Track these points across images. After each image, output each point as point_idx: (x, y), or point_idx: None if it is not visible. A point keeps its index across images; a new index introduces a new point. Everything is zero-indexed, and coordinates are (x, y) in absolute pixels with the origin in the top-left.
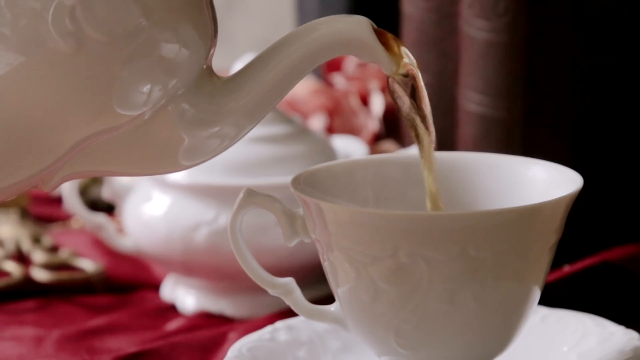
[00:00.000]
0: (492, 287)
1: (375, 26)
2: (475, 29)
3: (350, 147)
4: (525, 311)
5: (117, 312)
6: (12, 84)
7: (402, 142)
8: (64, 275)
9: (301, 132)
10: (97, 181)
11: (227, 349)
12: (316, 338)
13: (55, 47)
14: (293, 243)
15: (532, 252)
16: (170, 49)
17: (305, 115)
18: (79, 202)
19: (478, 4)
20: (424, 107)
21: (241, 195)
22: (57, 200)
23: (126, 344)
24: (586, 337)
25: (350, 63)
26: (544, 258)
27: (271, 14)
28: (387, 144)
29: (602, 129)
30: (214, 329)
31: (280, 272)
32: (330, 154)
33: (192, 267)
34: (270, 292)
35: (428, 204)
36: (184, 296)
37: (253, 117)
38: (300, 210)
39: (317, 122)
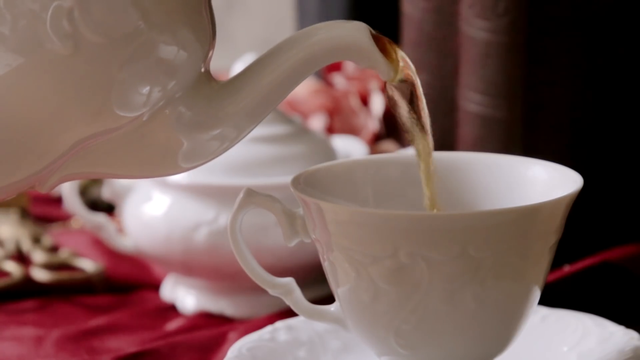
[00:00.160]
0: (492, 287)
1: (373, 32)
2: (475, 29)
3: (350, 147)
4: (525, 311)
5: (117, 312)
6: (11, 84)
7: (402, 142)
8: (64, 275)
9: (301, 132)
10: (97, 181)
11: (227, 349)
12: (316, 338)
13: (53, 49)
14: (293, 243)
15: (532, 252)
16: (169, 51)
17: (305, 115)
18: (79, 202)
19: (478, 4)
20: (422, 114)
21: (241, 195)
22: (57, 200)
23: (126, 344)
24: (586, 337)
25: (351, 63)
26: (544, 258)
27: (271, 14)
28: (387, 144)
29: (602, 129)
30: (214, 329)
31: (280, 272)
32: (330, 154)
33: (192, 267)
34: (270, 292)
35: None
36: (184, 296)
37: (250, 121)
38: (300, 210)
39: (317, 122)
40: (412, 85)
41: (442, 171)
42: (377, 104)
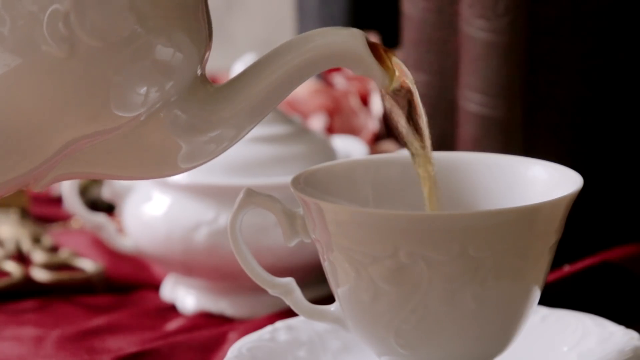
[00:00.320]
0: (492, 287)
1: (369, 39)
2: (475, 29)
3: (350, 147)
4: (525, 311)
5: (117, 312)
6: (8, 84)
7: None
8: (64, 275)
9: (301, 132)
10: (97, 181)
11: (227, 349)
12: (316, 338)
13: (49, 51)
14: (293, 243)
15: (532, 252)
16: (165, 54)
17: (305, 115)
18: (79, 202)
19: (478, 4)
20: (420, 123)
21: (241, 195)
22: (57, 200)
23: (126, 344)
24: (586, 337)
25: None
26: (544, 258)
27: (271, 14)
28: (387, 144)
29: (602, 129)
30: (214, 329)
31: (280, 272)
32: (330, 154)
33: (192, 267)
34: (270, 292)
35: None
36: (184, 296)
37: (245, 125)
38: (300, 210)
39: (317, 122)
40: (409, 93)
41: (442, 171)
42: (377, 104)
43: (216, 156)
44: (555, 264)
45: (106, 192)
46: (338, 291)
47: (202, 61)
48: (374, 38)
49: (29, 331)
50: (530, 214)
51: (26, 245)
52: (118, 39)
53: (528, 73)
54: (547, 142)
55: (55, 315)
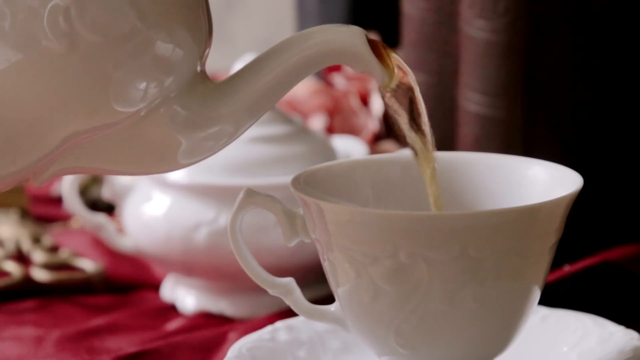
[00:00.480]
0: (492, 287)
1: (369, 37)
2: (475, 29)
3: (350, 147)
4: (525, 311)
5: (117, 312)
6: (9, 78)
7: (402, 142)
8: (64, 275)
9: (301, 132)
10: (97, 181)
11: (227, 349)
12: (316, 338)
13: (49, 46)
14: (293, 243)
15: (532, 252)
16: (165, 50)
17: (305, 115)
18: (79, 202)
19: (478, 4)
20: (421, 120)
21: (241, 195)
22: (57, 200)
23: (126, 344)
24: (586, 337)
25: None
26: (544, 258)
27: (271, 14)
28: (387, 144)
29: (602, 129)
30: (214, 329)
31: (280, 272)
32: (330, 154)
33: (192, 267)
34: (270, 292)
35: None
36: (184, 296)
37: (244, 122)
38: (300, 210)
39: (317, 122)
40: (411, 91)
41: (442, 171)
42: (377, 104)
43: (216, 152)
44: (555, 264)
45: (106, 192)
46: (338, 291)
47: (202, 57)
48: (374, 37)
49: (29, 331)
50: (530, 214)
51: (26, 245)
52: (118, 35)
53: (528, 73)
54: (547, 142)
55: (55, 315)
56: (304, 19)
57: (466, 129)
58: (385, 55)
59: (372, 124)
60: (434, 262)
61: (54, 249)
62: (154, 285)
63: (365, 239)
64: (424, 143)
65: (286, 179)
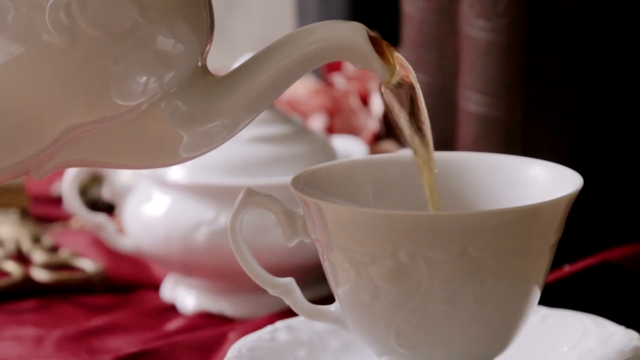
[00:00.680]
0: (492, 287)
1: (370, 33)
2: (475, 29)
3: (350, 147)
4: (525, 311)
5: (117, 312)
6: (11, 71)
7: (402, 142)
8: (64, 275)
9: (301, 132)
10: (97, 181)
11: (227, 349)
12: (316, 338)
13: (50, 41)
14: (293, 243)
15: (532, 252)
16: (166, 45)
17: (305, 115)
18: (79, 202)
19: (478, 4)
20: (422, 118)
21: (241, 195)
22: (57, 200)
23: (126, 344)
24: (586, 337)
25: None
26: (544, 258)
27: (271, 14)
28: (387, 144)
29: (602, 129)
30: (214, 329)
31: (280, 272)
32: (330, 154)
33: (192, 267)
34: (270, 292)
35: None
36: (184, 296)
37: (244, 118)
38: (300, 210)
39: (317, 122)
40: (412, 89)
41: (442, 171)
42: (377, 104)
43: (216, 146)
44: (555, 264)
45: (106, 192)
46: (338, 291)
47: (204, 53)
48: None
49: (29, 331)
50: (530, 214)
51: (26, 245)
52: (119, 30)
53: (528, 73)
54: (547, 142)
55: (55, 315)
56: (304, 19)
57: (466, 129)
58: (386, 51)
59: (372, 124)
60: (434, 262)
61: (54, 249)
62: (154, 285)
63: (365, 239)
64: (423, 142)
65: (286, 179)
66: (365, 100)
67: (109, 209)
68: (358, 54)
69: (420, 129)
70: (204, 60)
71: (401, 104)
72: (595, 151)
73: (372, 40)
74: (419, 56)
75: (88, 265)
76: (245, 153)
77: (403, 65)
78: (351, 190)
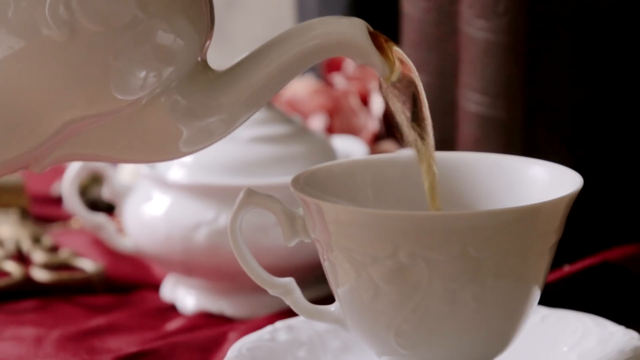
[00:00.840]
0: (492, 287)
1: (371, 29)
2: (475, 29)
3: (350, 147)
4: (525, 311)
5: (117, 312)
6: (11, 65)
7: (402, 142)
8: (64, 275)
9: (301, 132)
10: (97, 181)
11: (227, 349)
12: (316, 338)
13: (50, 35)
14: (293, 243)
15: (532, 252)
16: (166, 39)
17: (305, 115)
18: (79, 202)
19: (478, 4)
20: (423, 115)
21: (241, 195)
22: (57, 200)
23: (126, 344)
24: (586, 337)
25: (351, 63)
26: (544, 258)
27: (271, 14)
28: (387, 144)
29: (602, 129)
30: (214, 329)
31: (280, 272)
32: (330, 154)
33: (192, 267)
34: (270, 292)
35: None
36: (184, 296)
37: (244, 112)
38: (300, 210)
39: (317, 122)
40: (413, 85)
41: (442, 171)
42: (377, 104)
43: (216, 141)
44: (555, 264)
45: (106, 192)
46: (338, 291)
47: (204, 48)
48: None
49: (29, 331)
50: (530, 214)
51: (26, 245)
52: (119, 24)
53: (528, 73)
54: (547, 142)
55: (55, 315)
56: (304, 19)
57: (466, 129)
58: (386, 47)
59: (372, 124)
60: (434, 262)
61: (54, 249)
62: (154, 285)
63: (365, 239)
64: (424, 138)
65: (286, 179)
66: (365, 100)
67: (109, 209)
68: (358, 49)
69: (421, 123)
70: (204, 55)
71: (401, 99)
72: (595, 151)
73: (372, 35)
74: (419, 56)
75: (88, 265)
76: (245, 153)
77: (403, 61)
78: (351, 190)
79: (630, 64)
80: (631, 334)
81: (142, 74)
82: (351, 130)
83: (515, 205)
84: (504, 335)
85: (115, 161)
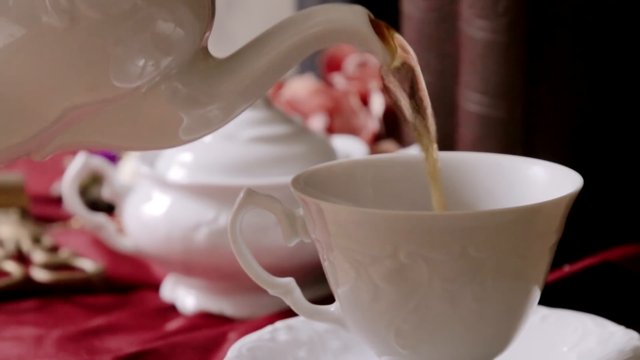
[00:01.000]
0: (493, 287)
1: (372, 16)
2: (475, 29)
3: (350, 147)
4: (525, 311)
5: (117, 312)
6: (11, 53)
7: (402, 142)
8: (64, 275)
9: (301, 132)
10: (97, 181)
11: (227, 349)
12: (316, 338)
13: (50, 22)
14: (293, 243)
15: (532, 252)
16: (165, 28)
17: (305, 115)
18: (79, 202)
19: (478, 4)
20: (422, 99)
21: (241, 195)
22: (57, 200)
23: (126, 344)
24: (586, 337)
25: (350, 63)
26: (544, 258)
27: (271, 14)
28: (387, 144)
29: (602, 129)
30: (214, 329)
31: (280, 272)
32: (330, 154)
33: (192, 267)
34: (270, 292)
35: (434, 202)
36: (184, 296)
37: (244, 100)
38: (300, 210)
39: (317, 122)
40: (412, 71)
41: (443, 171)
42: (377, 104)
43: (218, 128)
44: (555, 264)
45: (106, 192)
46: (338, 291)
47: (204, 37)
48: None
49: (29, 331)
50: (530, 214)
51: (26, 245)
52: (118, 12)
53: (528, 73)
54: (547, 142)
55: (55, 315)
56: None
57: (466, 129)
58: (387, 34)
59: (372, 124)
60: (434, 262)
61: (54, 249)
62: (154, 285)
63: (365, 239)
64: (425, 125)
65: (286, 179)
66: (365, 100)
67: (109, 209)
68: (359, 36)
69: (421, 110)
70: (205, 42)
71: (402, 87)
72: (595, 151)
73: (373, 23)
74: (419, 56)
75: (88, 265)
76: (245, 153)
77: (404, 48)
78: (351, 190)
79: (630, 64)
80: (631, 334)
81: (141, 62)
82: (351, 130)
83: (515, 205)
84: (504, 335)
85: (116, 149)
